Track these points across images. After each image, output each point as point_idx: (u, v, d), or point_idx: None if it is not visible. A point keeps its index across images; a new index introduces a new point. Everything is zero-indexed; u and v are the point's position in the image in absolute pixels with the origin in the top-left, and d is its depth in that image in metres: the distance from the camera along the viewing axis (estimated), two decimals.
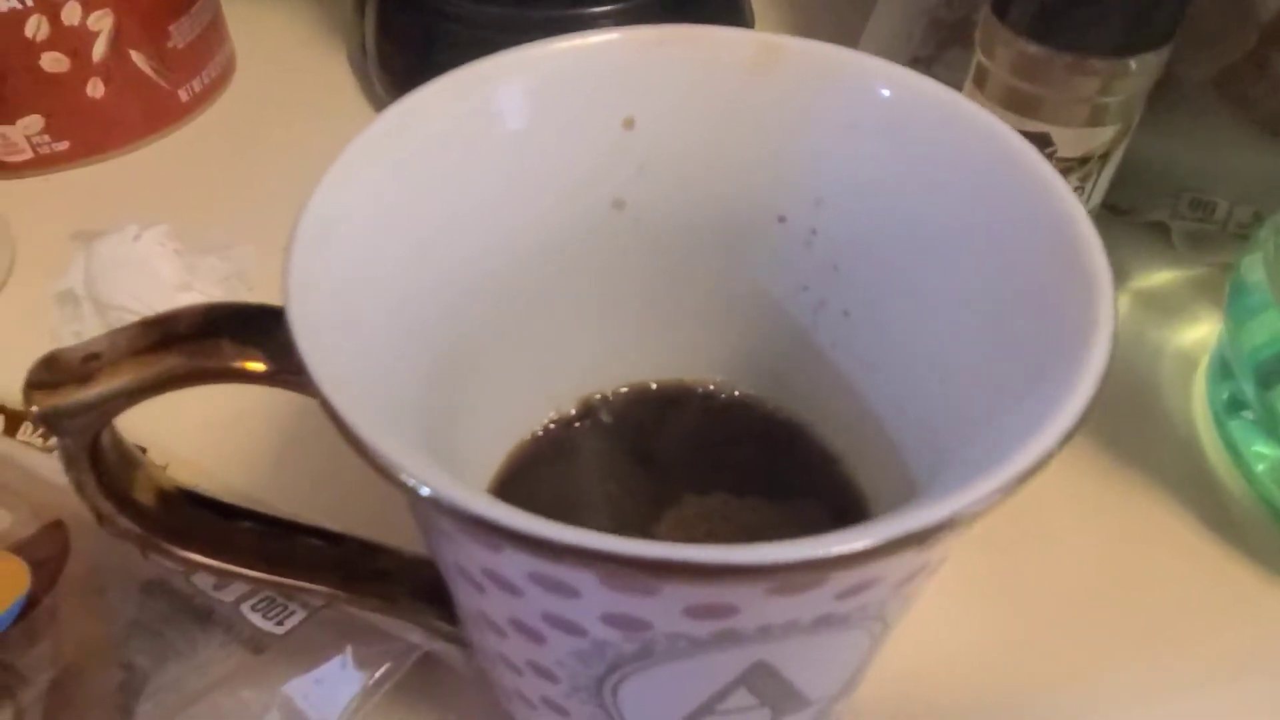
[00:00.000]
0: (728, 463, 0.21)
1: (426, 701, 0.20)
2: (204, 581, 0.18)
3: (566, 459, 0.21)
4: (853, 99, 0.17)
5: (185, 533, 0.15)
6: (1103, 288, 0.13)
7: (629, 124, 0.18)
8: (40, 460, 0.23)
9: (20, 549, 0.17)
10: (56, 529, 0.18)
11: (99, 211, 0.32)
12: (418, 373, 0.16)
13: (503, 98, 0.17)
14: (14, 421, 0.25)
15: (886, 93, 0.16)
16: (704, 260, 0.20)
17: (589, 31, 0.17)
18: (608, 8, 0.33)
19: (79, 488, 0.14)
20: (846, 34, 0.38)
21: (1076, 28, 0.23)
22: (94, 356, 0.13)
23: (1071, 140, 0.25)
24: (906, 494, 0.18)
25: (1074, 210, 0.13)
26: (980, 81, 0.25)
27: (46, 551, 0.17)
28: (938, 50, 0.33)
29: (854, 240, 0.18)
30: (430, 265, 0.16)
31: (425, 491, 0.11)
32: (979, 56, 0.25)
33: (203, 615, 0.20)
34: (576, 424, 0.22)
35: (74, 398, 0.13)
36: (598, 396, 0.22)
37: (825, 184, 0.18)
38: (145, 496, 0.15)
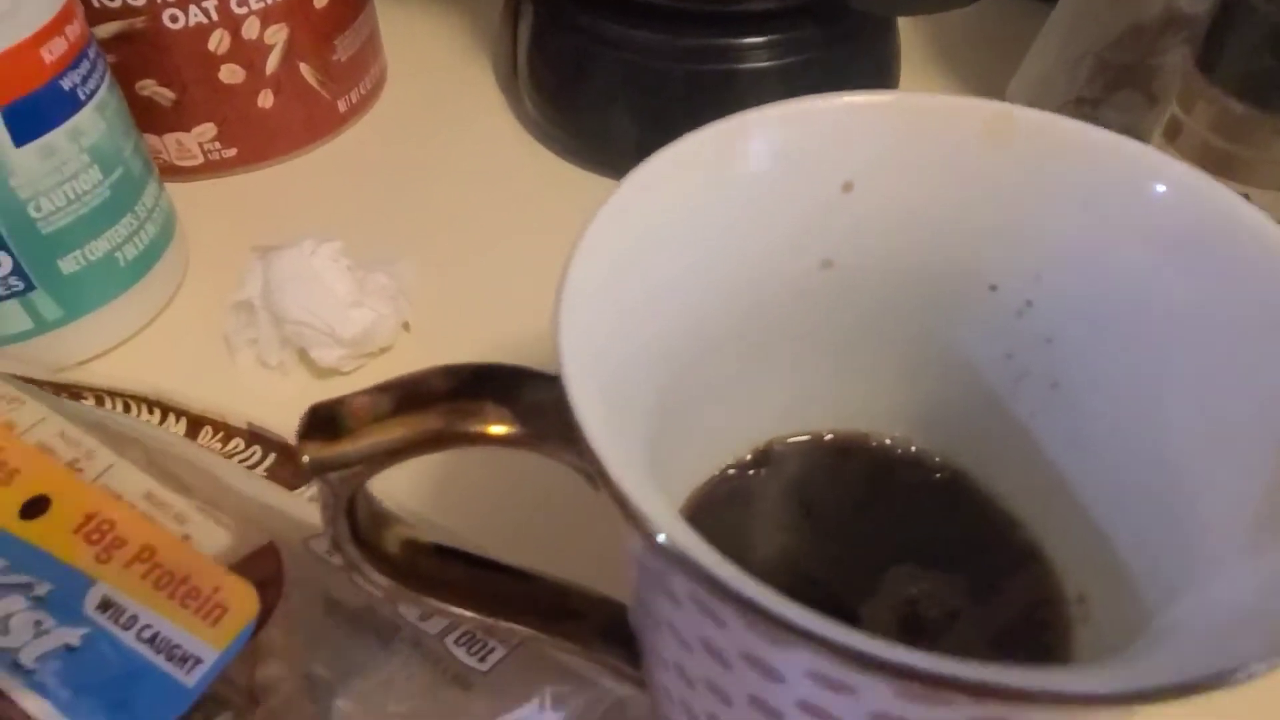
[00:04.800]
0: (907, 524, 0.21)
1: None
2: (410, 613, 0.18)
3: (742, 507, 0.21)
4: (1092, 177, 0.16)
5: (421, 580, 0.16)
6: None
7: (848, 187, 0.18)
8: (229, 469, 0.24)
9: (239, 569, 0.18)
10: (270, 551, 0.19)
11: (261, 216, 0.33)
12: (642, 424, 0.17)
13: (741, 155, 0.17)
14: (195, 426, 0.26)
15: (1162, 189, 0.15)
16: (904, 319, 0.20)
17: (821, 96, 0.17)
18: (759, 39, 0.33)
19: (335, 539, 0.14)
20: (996, 68, 0.37)
21: None
22: (359, 413, 0.14)
23: (1272, 203, 0.24)
24: (1106, 569, 0.18)
25: None
26: (1172, 135, 0.25)
27: (264, 573, 0.18)
28: (1105, 91, 0.32)
29: (1077, 317, 0.17)
30: (660, 317, 0.17)
31: (715, 577, 0.11)
32: (1175, 109, 0.24)
33: (385, 633, 0.20)
34: (751, 471, 0.22)
35: (342, 450, 0.14)
36: (774, 444, 0.22)
37: (1049, 259, 0.17)
38: (392, 548, 0.15)
